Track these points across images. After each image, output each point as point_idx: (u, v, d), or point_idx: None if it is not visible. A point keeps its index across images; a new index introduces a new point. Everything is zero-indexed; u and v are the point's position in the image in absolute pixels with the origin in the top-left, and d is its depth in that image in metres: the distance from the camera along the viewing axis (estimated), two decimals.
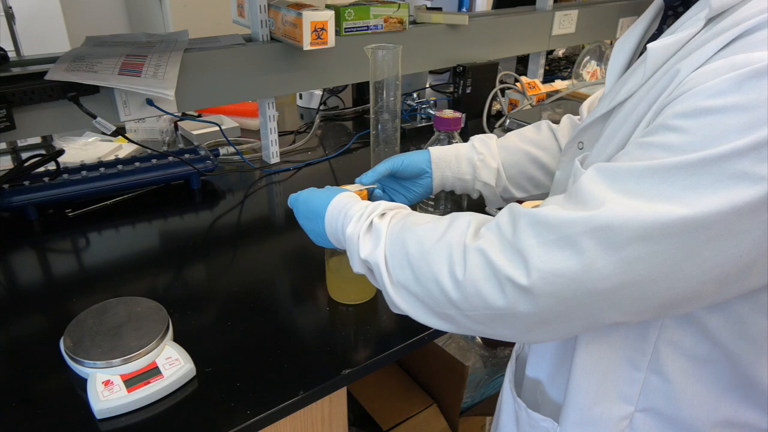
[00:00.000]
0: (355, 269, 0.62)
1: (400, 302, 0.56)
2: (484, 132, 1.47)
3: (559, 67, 2.09)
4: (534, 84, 1.57)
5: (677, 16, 0.55)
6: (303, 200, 0.72)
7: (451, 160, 0.84)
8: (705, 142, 0.41)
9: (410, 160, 0.82)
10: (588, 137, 0.61)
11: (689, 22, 0.50)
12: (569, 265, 0.44)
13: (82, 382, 0.66)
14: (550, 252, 0.45)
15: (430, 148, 0.85)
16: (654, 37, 0.58)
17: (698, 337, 0.52)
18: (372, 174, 0.80)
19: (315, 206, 0.69)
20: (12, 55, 1.10)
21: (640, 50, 0.61)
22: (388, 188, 0.87)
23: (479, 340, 1.62)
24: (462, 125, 0.96)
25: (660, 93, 0.47)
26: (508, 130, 1.31)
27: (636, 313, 0.47)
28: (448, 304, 0.52)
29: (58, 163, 1.07)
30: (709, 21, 0.48)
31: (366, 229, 0.60)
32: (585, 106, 0.82)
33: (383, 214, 0.61)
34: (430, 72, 1.98)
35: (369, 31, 1.34)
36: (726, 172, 0.40)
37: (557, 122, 0.87)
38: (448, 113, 0.94)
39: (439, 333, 0.79)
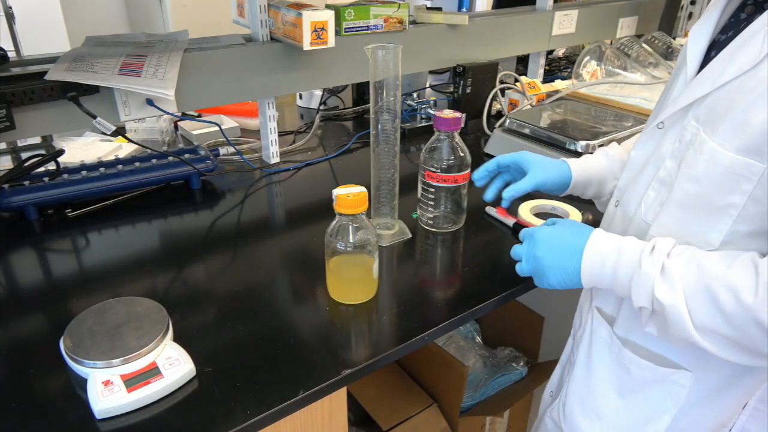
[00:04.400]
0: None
1: (708, 345, 0.58)
2: (483, 132, 1.48)
3: (559, 67, 2.09)
4: (534, 84, 1.57)
5: (757, 4, 0.57)
6: (548, 233, 0.70)
7: (593, 184, 0.86)
8: None
9: (552, 182, 0.84)
10: (671, 120, 0.65)
11: None
12: None
13: (82, 382, 0.66)
14: None
15: (572, 167, 0.85)
16: (728, 26, 0.60)
17: None
18: (517, 191, 0.83)
19: (569, 240, 0.68)
20: (12, 55, 1.10)
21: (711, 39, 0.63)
22: (510, 175, 0.91)
23: (479, 340, 1.62)
24: (462, 125, 0.96)
25: None
26: (508, 130, 1.32)
27: None
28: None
29: (58, 163, 1.07)
30: None
31: (660, 272, 0.59)
32: (628, 144, 0.88)
33: (669, 254, 0.60)
34: (430, 72, 1.99)
35: (369, 31, 1.34)
36: None
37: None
38: (448, 113, 0.94)
39: (439, 333, 0.79)
